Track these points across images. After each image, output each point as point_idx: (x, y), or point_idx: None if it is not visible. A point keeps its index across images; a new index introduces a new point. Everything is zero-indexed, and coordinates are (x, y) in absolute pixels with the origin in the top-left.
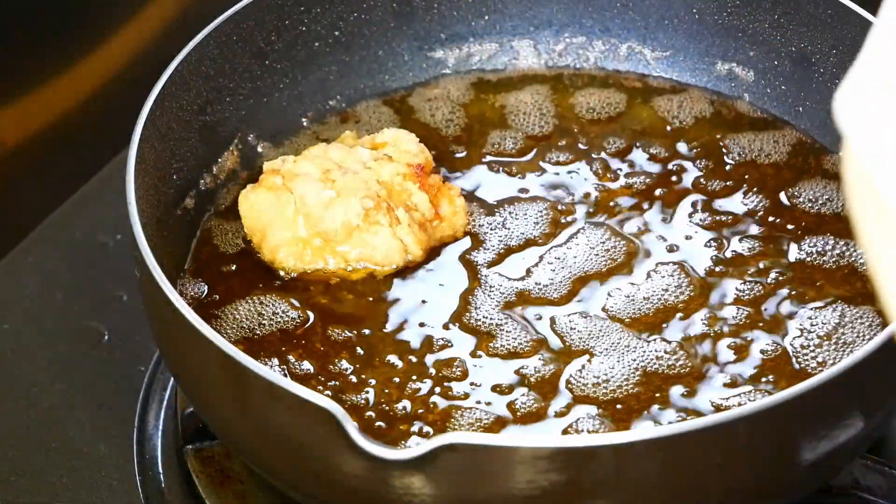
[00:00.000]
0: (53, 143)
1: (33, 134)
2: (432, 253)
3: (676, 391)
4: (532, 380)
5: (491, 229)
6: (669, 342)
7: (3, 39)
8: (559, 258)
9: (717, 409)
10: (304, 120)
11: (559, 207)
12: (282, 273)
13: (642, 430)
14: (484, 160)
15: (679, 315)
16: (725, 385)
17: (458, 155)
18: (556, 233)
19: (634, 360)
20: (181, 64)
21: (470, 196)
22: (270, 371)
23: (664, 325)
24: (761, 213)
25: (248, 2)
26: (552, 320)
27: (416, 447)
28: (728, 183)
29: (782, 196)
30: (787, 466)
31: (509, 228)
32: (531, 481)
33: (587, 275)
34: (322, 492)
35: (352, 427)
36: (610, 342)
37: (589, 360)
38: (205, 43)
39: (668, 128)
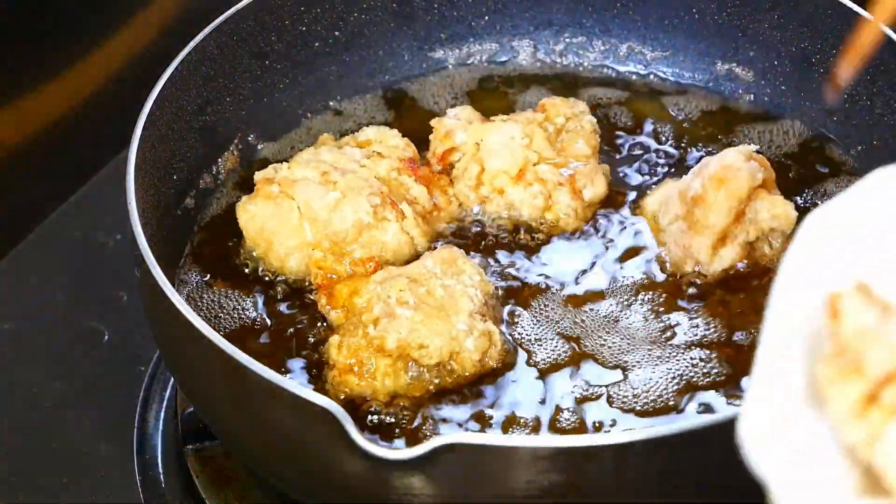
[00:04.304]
0: (53, 143)
1: (33, 134)
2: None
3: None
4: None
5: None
6: (703, 348)
7: (3, 39)
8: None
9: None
10: (304, 120)
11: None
12: (290, 278)
13: (642, 431)
14: None
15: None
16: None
17: None
18: (581, 227)
19: (669, 369)
20: (181, 64)
21: None
22: (270, 371)
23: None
24: None
25: (248, 2)
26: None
27: (416, 447)
28: None
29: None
30: None
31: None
32: (531, 481)
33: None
34: (322, 492)
35: (352, 427)
36: (642, 354)
37: (625, 375)
38: (205, 43)
39: (681, 124)
